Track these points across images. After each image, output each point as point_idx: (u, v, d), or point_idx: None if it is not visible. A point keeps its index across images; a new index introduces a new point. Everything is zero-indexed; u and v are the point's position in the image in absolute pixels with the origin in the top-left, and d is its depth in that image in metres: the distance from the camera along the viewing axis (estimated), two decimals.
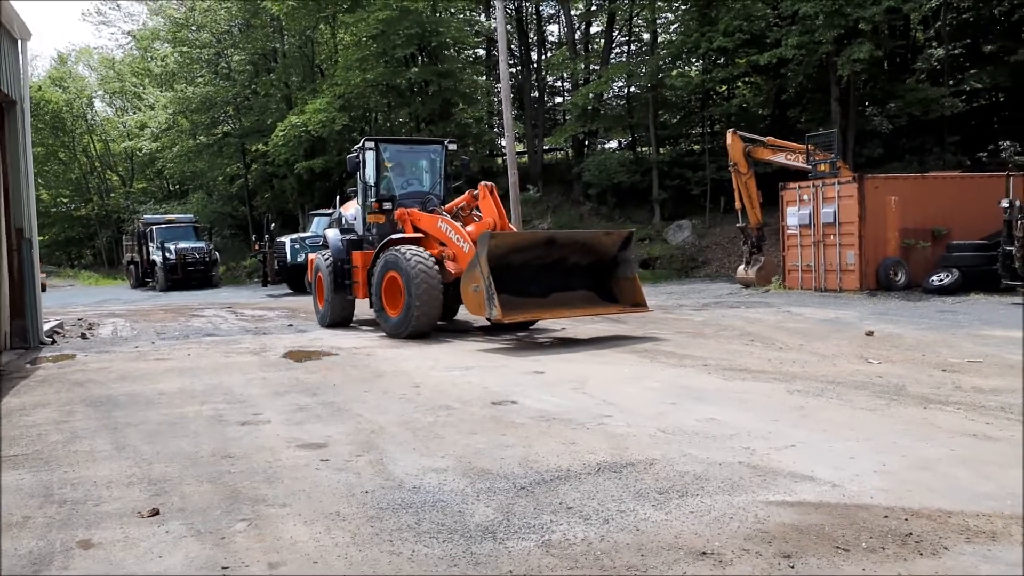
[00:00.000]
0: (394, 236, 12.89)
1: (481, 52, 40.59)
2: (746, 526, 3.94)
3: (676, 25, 33.01)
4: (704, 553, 3.62)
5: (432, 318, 12.11)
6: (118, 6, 59.75)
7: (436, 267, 12.01)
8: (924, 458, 5.08)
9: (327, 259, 14.23)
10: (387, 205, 13.45)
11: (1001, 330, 11.18)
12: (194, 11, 39.57)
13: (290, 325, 15.22)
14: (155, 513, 4.34)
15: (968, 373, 8.04)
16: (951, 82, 28.47)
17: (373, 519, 4.17)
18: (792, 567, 3.45)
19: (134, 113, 50.89)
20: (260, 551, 3.78)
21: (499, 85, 26.49)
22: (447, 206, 13.61)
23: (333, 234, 14.68)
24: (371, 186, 13.77)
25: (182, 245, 31.68)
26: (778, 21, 28.57)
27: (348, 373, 9.16)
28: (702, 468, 4.94)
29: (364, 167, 13.81)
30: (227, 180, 43.92)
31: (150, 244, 32.86)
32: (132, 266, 36.02)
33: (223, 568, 3.59)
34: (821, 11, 23.50)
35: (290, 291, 26.20)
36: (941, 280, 16.64)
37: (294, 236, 26.86)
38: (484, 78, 38.96)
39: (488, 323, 13.39)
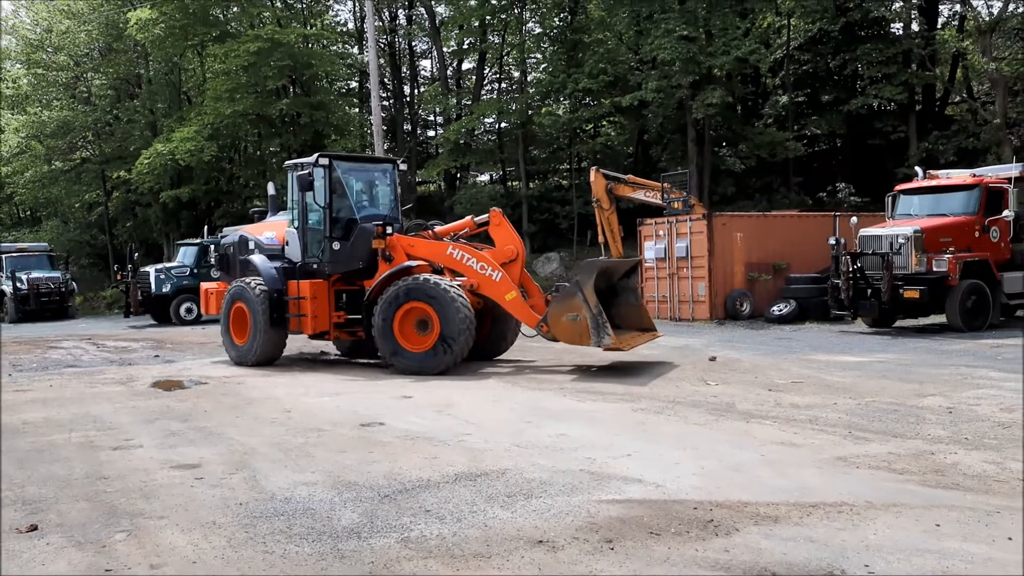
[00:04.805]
0: (410, 264, 11.97)
1: (354, 84, 40.94)
2: (579, 520, 4.58)
3: (545, 65, 34.45)
4: (540, 541, 4.22)
5: (466, 352, 11.40)
6: None
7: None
8: (737, 462, 5.89)
9: (256, 290, 12.56)
10: (390, 229, 12.29)
11: (825, 355, 12.46)
12: (51, 32, 38.12)
13: (156, 356, 15.05)
14: (33, 528, 4.57)
15: (789, 392, 9.06)
16: (795, 127, 31.01)
17: (247, 526, 4.57)
18: (612, 549, 4.10)
19: None
20: (141, 556, 4.12)
21: (372, 117, 26.91)
22: (440, 230, 12.95)
23: (261, 260, 13.08)
24: (324, 208, 12.49)
25: (35, 275, 30.27)
26: (639, 66, 30.40)
27: (219, 400, 9.36)
28: (547, 475, 5.57)
29: (315, 187, 12.43)
30: (85, 207, 42.22)
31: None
32: None
33: (107, 571, 3.92)
34: (677, 58, 25.20)
35: (154, 322, 25.55)
36: (781, 310, 18.16)
37: (159, 266, 26.28)
38: (357, 110, 39.29)
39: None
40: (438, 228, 13.01)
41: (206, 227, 29.31)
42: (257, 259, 13.15)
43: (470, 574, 3.80)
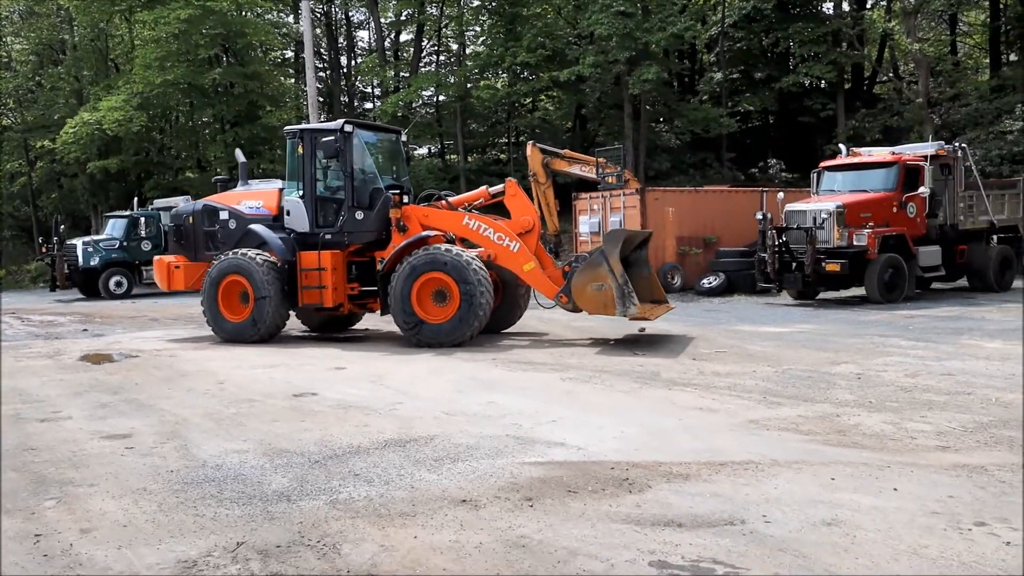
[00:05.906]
0: (426, 234, 11.80)
1: (290, 54, 40.24)
2: (502, 480, 4.79)
3: (483, 38, 34.37)
4: (464, 501, 4.43)
5: (486, 321, 11.42)
6: None
7: None
8: (657, 427, 6.17)
9: (264, 262, 11.88)
10: (406, 198, 12.10)
11: (750, 326, 12.91)
12: None
13: (85, 330, 14.82)
14: None
15: (712, 361, 9.41)
16: (729, 104, 31.61)
17: (178, 492, 4.67)
18: (532, 506, 4.33)
19: None
20: (71, 521, 4.20)
21: (307, 88, 26.54)
22: (454, 200, 12.71)
23: (265, 230, 12.39)
24: (347, 176, 12.08)
25: None
26: (577, 40, 30.58)
27: (151, 373, 9.33)
28: (475, 440, 5.77)
29: (340, 154, 12.02)
30: (7, 178, 40.82)
31: None
32: None
33: (36, 535, 3.99)
34: (615, 33, 25.43)
35: (82, 296, 25.01)
36: (710, 283, 18.67)
37: (87, 239, 25.69)
38: (293, 81, 38.66)
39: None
40: (451, 198, 12.83)
41: (136, 199, 28.66)
42: (260, 229, 12.43)
43: (394, 531, 3.98)
